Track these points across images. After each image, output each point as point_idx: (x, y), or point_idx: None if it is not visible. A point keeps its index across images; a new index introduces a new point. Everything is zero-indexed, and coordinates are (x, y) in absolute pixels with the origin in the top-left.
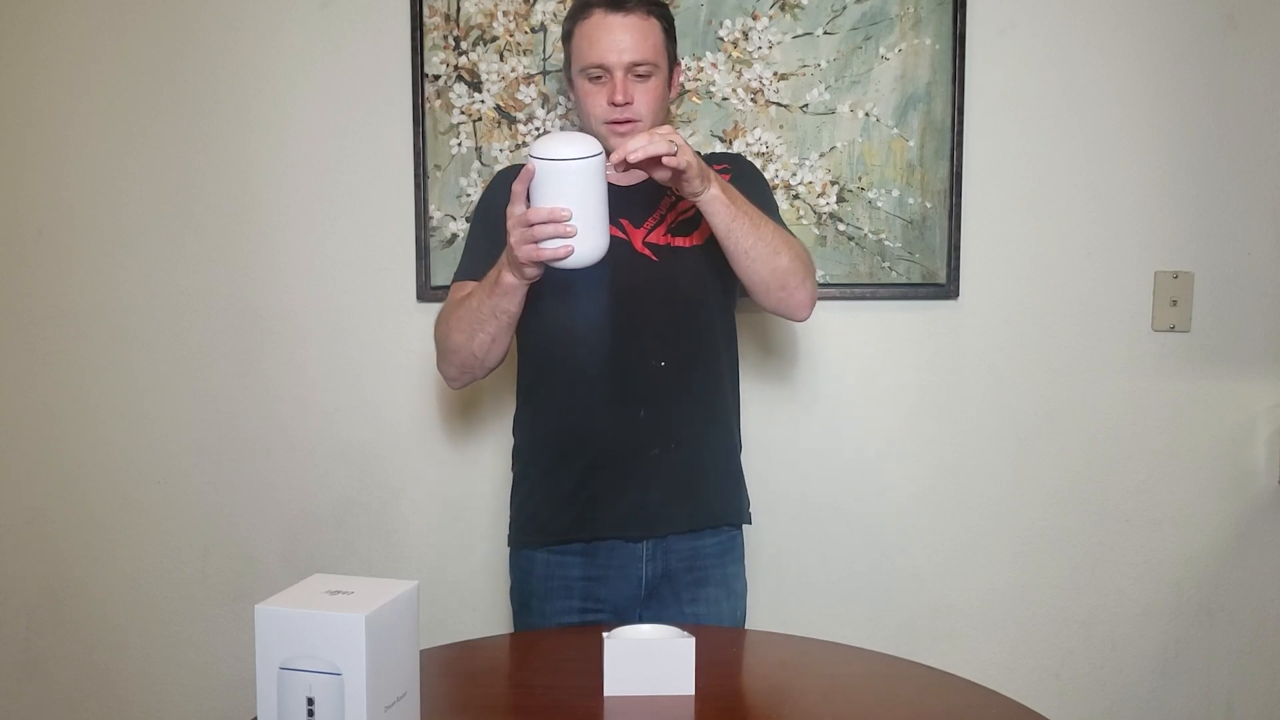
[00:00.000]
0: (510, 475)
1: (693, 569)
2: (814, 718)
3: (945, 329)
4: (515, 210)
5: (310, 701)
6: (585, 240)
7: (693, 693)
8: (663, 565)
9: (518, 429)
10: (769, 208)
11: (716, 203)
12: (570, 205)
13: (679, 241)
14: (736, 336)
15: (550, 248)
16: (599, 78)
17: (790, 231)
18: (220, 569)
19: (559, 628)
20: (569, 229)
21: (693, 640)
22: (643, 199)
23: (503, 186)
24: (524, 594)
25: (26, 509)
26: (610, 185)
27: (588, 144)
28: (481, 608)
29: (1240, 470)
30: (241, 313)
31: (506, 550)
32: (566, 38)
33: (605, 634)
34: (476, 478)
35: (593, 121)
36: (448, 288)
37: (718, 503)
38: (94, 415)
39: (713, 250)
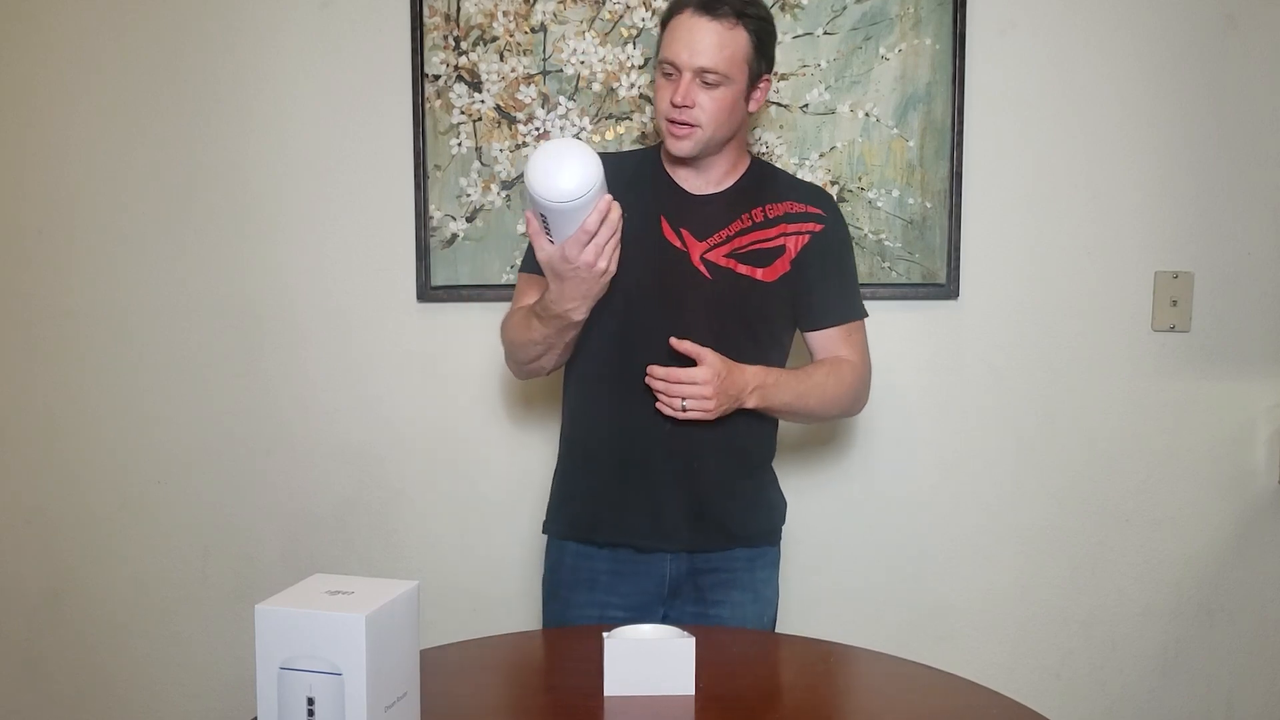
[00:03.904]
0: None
1: (718, 570)
2: (814, 718)
3: (945, 329)
4: (569, 251)
5: (310, 701)
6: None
7: (693, 693)
8: (688, 564)
9: (563, 416)
10: (844, 280)
11: (754, 403)
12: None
13: (744, 269)
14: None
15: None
16: (670, 74)
17: (860, 332)
18: (220, 569)
19: (559, 628)
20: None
21: (693, 640)
22: (710, 212)
23: None
24: (553, 584)
25: (26, 509)
26: (679, 191)
27: (578, 159)
28: (482, 608)
29: (1240, 470)
30: (242, 313)
31: (507, 549)
32: (663, 24)
33: (605, 634)
34: (477, 477)
35: (658, 115)
36: (448, 288)
37: (738, 526)
38: (94, 415)
39: (781, 291)
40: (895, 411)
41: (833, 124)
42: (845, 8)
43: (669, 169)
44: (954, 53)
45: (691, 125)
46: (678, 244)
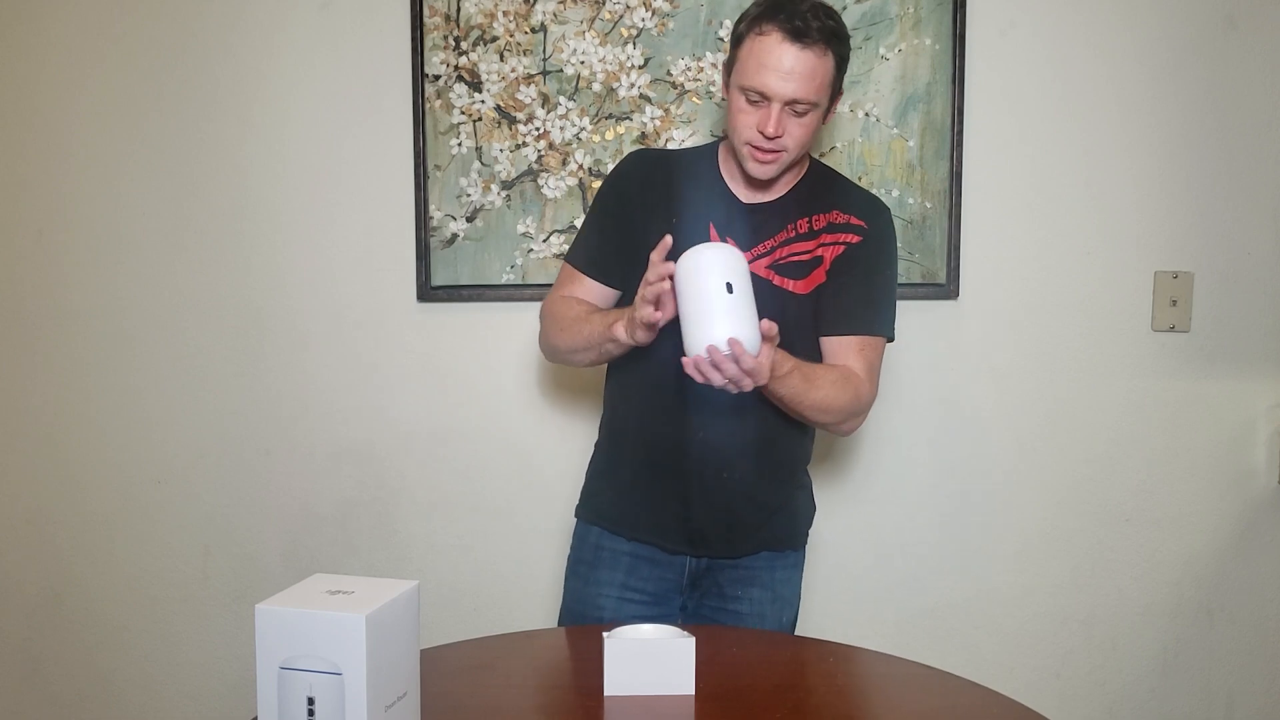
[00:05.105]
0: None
1: (739, 567)
2: (814, 717)
3: (945, 329)
4: (652, 270)
5: (310, 701)
6: (694, 330)
7: (693, 693)
8: (709, 561)
9: (604, 402)
10: (870, 292)
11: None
12: (688, 292)
13: (779, 281)
14: None
15: (648, 313)
16: (756, 101)
17: (876, 349)
18: (221, 569)
19: (558, 628)
20: (663, 287)
21: (693, 640)
22: (758, 222)
23: (630, 172)
24: (575, 561)
25: (26, 509)
26: (730, 198)
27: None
28: (481, 608)
29: (1240, 470)
30: (242, 313)
31: (507, 549)
32: (737, 40)
33: (605, 634)
34: (478, 477)
35: (736, 137)
36: (448, 288)
37: (765, 533)
38: (94, 415)
39: (814, 304)
40: (895, 411)
41: (832, 124)
42: (845, 8)
43: (724, 174)
44: (954, 53)
45: (778, 152)
46: None
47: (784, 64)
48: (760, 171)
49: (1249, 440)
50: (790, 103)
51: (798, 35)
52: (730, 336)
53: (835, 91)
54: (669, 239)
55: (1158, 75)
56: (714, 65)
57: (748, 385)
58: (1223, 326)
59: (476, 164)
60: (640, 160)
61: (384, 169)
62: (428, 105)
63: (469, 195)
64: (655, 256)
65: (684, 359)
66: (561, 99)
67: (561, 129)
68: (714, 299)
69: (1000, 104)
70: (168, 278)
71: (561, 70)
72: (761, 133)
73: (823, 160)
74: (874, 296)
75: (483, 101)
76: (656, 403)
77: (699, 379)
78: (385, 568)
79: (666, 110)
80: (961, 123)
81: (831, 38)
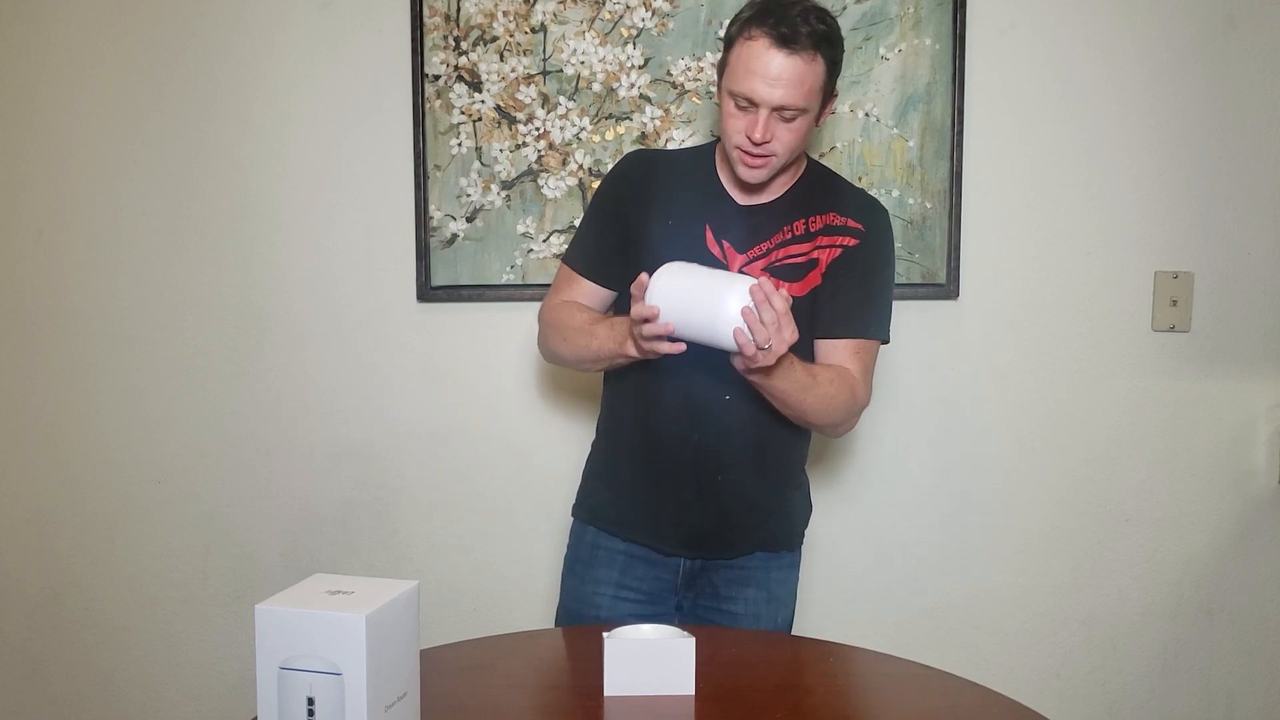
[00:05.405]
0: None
1: (734, 567)
2: (814, 718)
3: (945, 329)
4: (635, 311)
5: (310, 701)
6: (717, 308)
7: (693, 693)
8: (704, 561)
9: (602, 403)
10: (867, 295)
11: (759, 385)
12: (671, 312)
13: (775, 283)
14: None
15: (664, 348)
16: (745, 107)
17: (869, 349)
18: (221, 569)
19: (559, 628)
20: (667, 327)
21: (693, 640)
22: (755, 224)
23: (628, 173)
24: (571, 559)
25: (26, 509)
26: (727, 200)
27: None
28: (481, 608)
29: (1240, 470)
30: (241, 313)
31: (507, 549)
32: (728, 44)
33: (605, 634)
34: (477, 477)
35: (726, 140)
36: (448, 288)
37: (762, 534)
38: (94, 415)
39: (810, 306)
40: (895, 411)
41: (832, 124)
42: (845, 8)
43: (721, 176)
44: (954, 53)
45: (767, 156)
46: (718, 255)
47: (771, 70)
48: (750, 175)
49: (1249, 440)
50: (778, 109)
51: (785, 41)
52: (761, 276)
53: (827, 95)
54: (644, 276)
55: (1158, 75)
56: (714, 65)
57: (788, 336)
58: (1223, 326)
59: (476, 164)
60: (638, 160)
61: (384, 169)
62: (428, 105)
63: (469, 195)
64: (636, 292)
65: (735, 330)
66: (561, 99)
67: (561, 129)
68: (713, 276)
69: (1000, 104)
70: (168, 278)
71: (561, 70)
72: (749, 138)
73: (822, 160)
74: (871, 299)
75: (483, 101)
76: (654, 405)
77: (750, 350)
78: (385, 568)
79: (666, 110)
80: (961, 123)
81: (821, 42)
